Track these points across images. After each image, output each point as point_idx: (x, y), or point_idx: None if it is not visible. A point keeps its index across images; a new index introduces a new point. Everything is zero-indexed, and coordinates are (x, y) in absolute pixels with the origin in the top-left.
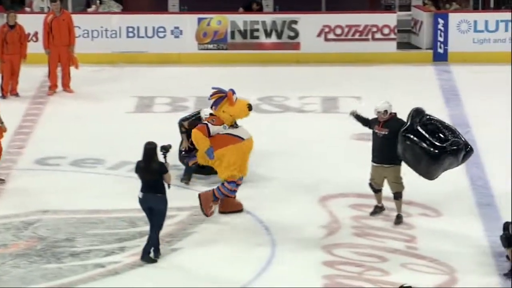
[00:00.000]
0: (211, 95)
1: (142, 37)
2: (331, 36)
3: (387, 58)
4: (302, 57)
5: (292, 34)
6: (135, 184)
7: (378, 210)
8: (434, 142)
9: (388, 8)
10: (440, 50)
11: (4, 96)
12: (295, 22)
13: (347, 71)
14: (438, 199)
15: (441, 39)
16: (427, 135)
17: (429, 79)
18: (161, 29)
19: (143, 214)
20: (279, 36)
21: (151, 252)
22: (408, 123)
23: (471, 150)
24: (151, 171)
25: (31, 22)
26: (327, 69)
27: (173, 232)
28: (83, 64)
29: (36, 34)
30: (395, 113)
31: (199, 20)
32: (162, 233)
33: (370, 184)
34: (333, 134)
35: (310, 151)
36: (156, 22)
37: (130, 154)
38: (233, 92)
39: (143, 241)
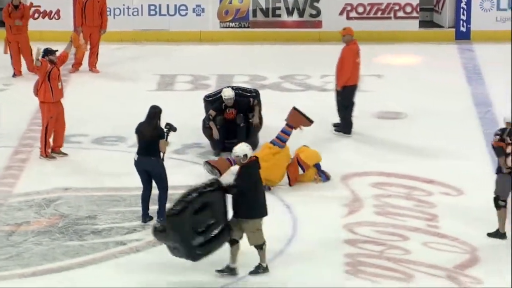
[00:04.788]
0: None
1: (164, 15)
2: (353, 14)
3: (409, 36)
4: (324, 36)
5: (314, 12)
6: None
7: (226, 270)
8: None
9: None
10: (463, 29)
11: (15, 75)
12: (317, 0)
13: (369, 50)
14: (459, 178)
15: (464, 17)
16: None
17: (452, 57)
18: (183, 7)
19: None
20: (301, 14)
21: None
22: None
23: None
24: (149, 132)
25: (53, 1)
26: None
27: None
28: (105, 42)
29: (58, 12)
30: (255, 158)
31: None
32: None
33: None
34: (355, 113)
35: (332, 130)
36: (178, 0)
37: None
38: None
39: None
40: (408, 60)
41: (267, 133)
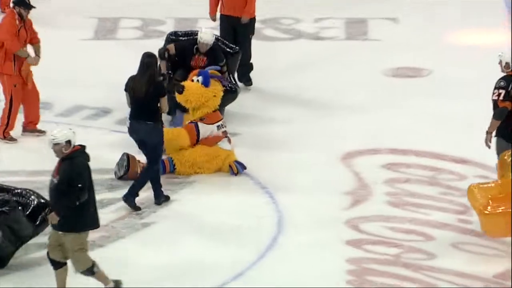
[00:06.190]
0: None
1: None
2: None
3: None
4: None
5: None
6: (92, 135)
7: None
8: None
9: None
10: None
11: None
12: None
13: None
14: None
15: None
16: None
17: None
18: None
19: (101, 176)
20: None
21: (137, 195)
22: None
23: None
24: (145, 87)
25: None
26: None
27: (145, 202)
28: None
29: None
30: (80, 147)
31: None
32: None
33: (48, 253)
34: (359, 68)
35: (330, 91)
36: None
37: (87, 96)
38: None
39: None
40: None
41: (238, 99)
